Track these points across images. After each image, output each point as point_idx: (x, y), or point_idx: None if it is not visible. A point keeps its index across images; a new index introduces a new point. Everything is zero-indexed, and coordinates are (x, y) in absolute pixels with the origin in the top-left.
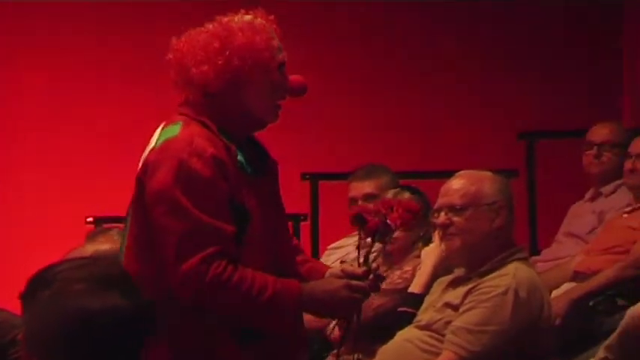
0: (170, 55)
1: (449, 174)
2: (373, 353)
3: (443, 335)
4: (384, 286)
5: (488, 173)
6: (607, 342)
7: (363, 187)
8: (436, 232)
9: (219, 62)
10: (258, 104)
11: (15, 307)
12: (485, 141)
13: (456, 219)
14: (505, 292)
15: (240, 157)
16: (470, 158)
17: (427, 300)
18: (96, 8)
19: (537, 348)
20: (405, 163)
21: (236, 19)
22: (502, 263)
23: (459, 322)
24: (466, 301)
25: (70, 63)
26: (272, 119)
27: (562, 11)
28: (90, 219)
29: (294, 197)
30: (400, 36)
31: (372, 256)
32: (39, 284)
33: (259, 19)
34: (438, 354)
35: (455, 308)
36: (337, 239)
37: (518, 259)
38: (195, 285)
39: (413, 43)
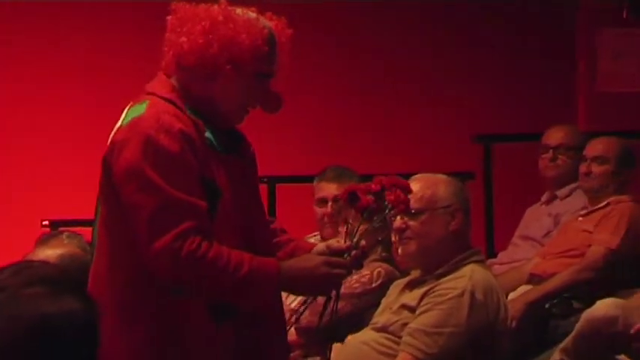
0: (169, 17)
1: (405, 177)
2: (328, 356)
3: (399, 337)
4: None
5: (444, 176)
6: (562, 344)
7: (332, 188)
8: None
9: (199, 41)
10: (224, 100)
11: None
12: (441, 144)
13: (411, 223)
14: (461, 294)
15: (208, 134)
16: (426, 161)
17: (384, 302)
18: (50, 8)
19: (493, 350)
20: (361, 165)
21: (240, 11)
22: (458, 266)
23: (415, 323)
24: (422, 303)
25: (25, 66)
26: (235, 121)
27: (517, 14)
28: (45, 222)
29: None
30: (356, 39)
31: (358, 234)
32: None
33: (265, 22)
34: (394, 356)
35: (411, 310)
36: None
37: (475, 262)
38: (170, 262)
39: (369, 47)
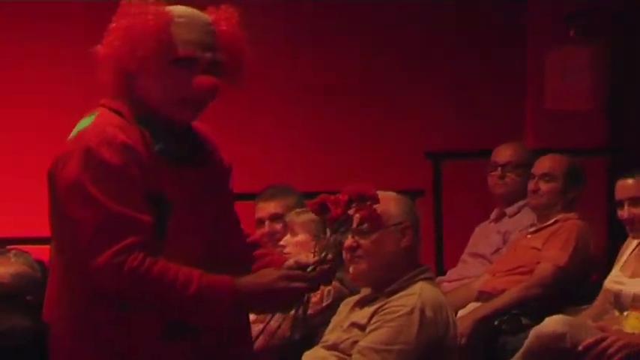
0: None
1: None
2: None
3: (349, 355)
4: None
5: (393, 194)
6: None
7: (269, 207)
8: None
9: (104, 49)
10: (152, 96)
11: None
12: (391, 161)
13: (363, 241)
14: (411, 312)
15: (160, 146)
16: (376, 178)
17: (334, 320)
18: (16, 8)
19: None
20: (310, 183)
21: (136, 1)
22: (408, 283)
23: (365, 341)
24: (372, 321)
25: None
26: (177, 115)
27: (468, 32)
28: None
29: None
30: (306, 55)
31: (327, 247)
32: None
33: (175, 8)
34: None
35: (362, 328)
36: None
37: (424, 279)
38: (111, 278)
39: (320, 62)
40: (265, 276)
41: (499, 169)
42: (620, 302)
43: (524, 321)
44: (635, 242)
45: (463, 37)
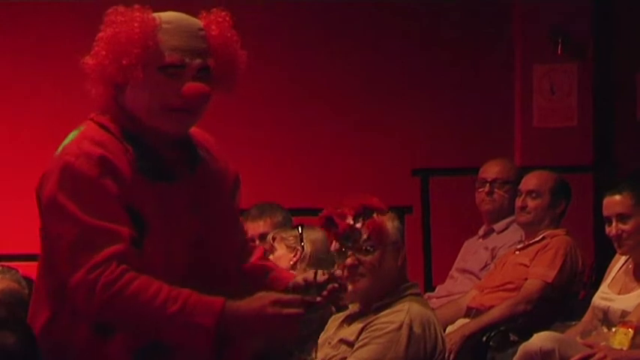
0: None
1: None
2: None
3: None
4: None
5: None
6: None
7: (258, 226)
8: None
9: (91, 59)
10: (139, 106)
11: None
12: (379, 177)
13: (365, 259)
14: (399, 328)
15: (141, 163)
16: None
17: (322, 337)
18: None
19: None
20: (298, 200)
21: (122, 9)
22: (396, 299)
23: (353, 358)
24: (361, 338)
25: None
26: (166, 126)
27: (455, 49)
28: None
29: None
30: (290, 68)
31: (336, 264)
32: None
33: (162, 14)
34: None
35: (350, 345)
36: None
37: (413, 295)
38: (85, 295)
39: (304, 77)
40: (256, 300)
41: (487, 185)
42: (608, 318)
43: (513, 337)
44: (622, 259)
45: (451, 55)
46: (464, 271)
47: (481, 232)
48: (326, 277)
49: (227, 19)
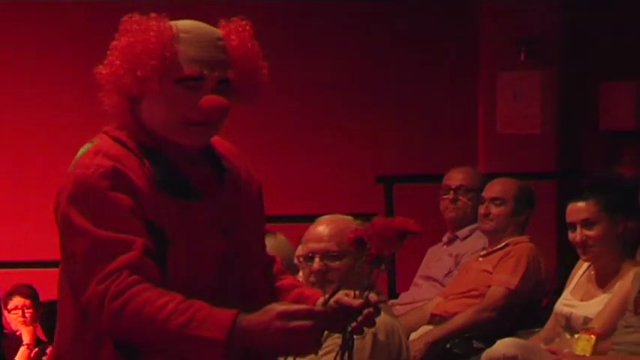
0: None
1: (308, 218)
2: None
3: None
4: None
5: (351, 218)
6: None
7: None
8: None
9: (105, 69)
10: (156, 120)
11: None
12: (343, 184)
13: (333, 265)
14: (363, 336)
15: (161, 178)
16: (328, 202)
17: None
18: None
19: None
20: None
21: (137, 17)
22: None
23: None
24: (325, 345)
25: None
26: (185, 139)
27: (419, 56)
28: None
29: None
30: None
31: (369, 286)
32: None
33: (179, 24)
34: None
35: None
36: None
37: None
38: (97, 307)
39: (274, 84)
40: (265, 313)
41: (451, 192)
42: (570, 325)
43: (476, 344)
44: (585, 265)
45: (415, 61)
46: (428, 278)
47: (445, 239)
48: (361, 302)
49: (247, 28)
